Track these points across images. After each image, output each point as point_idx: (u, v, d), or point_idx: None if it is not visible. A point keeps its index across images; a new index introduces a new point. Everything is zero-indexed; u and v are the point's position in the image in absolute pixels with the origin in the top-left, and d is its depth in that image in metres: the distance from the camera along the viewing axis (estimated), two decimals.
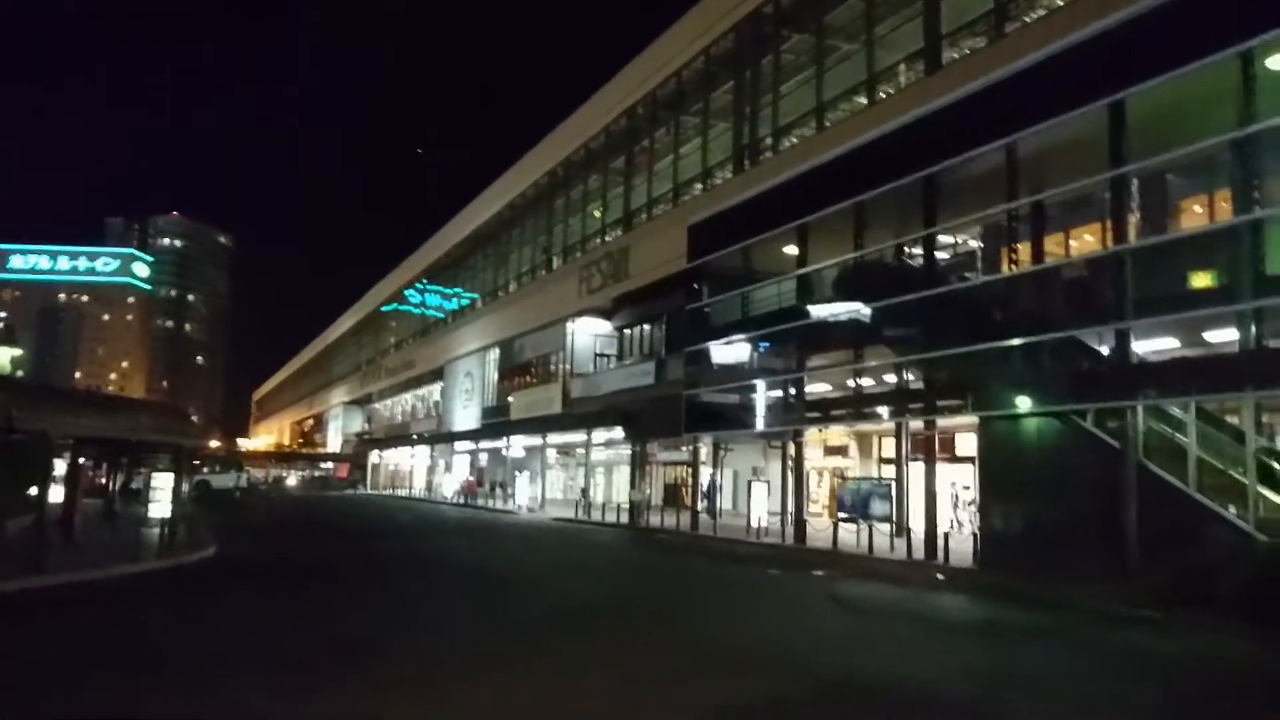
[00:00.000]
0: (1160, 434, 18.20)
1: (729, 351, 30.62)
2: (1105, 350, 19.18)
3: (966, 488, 23.61)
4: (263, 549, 24.44)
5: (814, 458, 33.75)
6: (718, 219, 32.63)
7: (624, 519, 37.00)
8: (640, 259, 41.57)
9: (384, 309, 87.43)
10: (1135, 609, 14.85)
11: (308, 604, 14.34)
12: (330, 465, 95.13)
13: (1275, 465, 17.30)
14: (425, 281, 73.30)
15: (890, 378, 26.19)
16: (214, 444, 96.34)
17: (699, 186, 39.07)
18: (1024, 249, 22.25)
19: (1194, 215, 21.17)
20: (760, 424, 29.18)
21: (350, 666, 9.35)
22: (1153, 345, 19.53)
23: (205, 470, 74.30)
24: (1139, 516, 17.27)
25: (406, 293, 75.18)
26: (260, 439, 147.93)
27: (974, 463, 23.60)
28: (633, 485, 39.49)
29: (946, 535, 21.52)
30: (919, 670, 9.80)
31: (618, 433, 41.06)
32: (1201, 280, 18.45)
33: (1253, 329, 16.33)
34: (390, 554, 23.91)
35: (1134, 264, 18.63)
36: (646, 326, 42.55)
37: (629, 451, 40.59)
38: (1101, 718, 8.20)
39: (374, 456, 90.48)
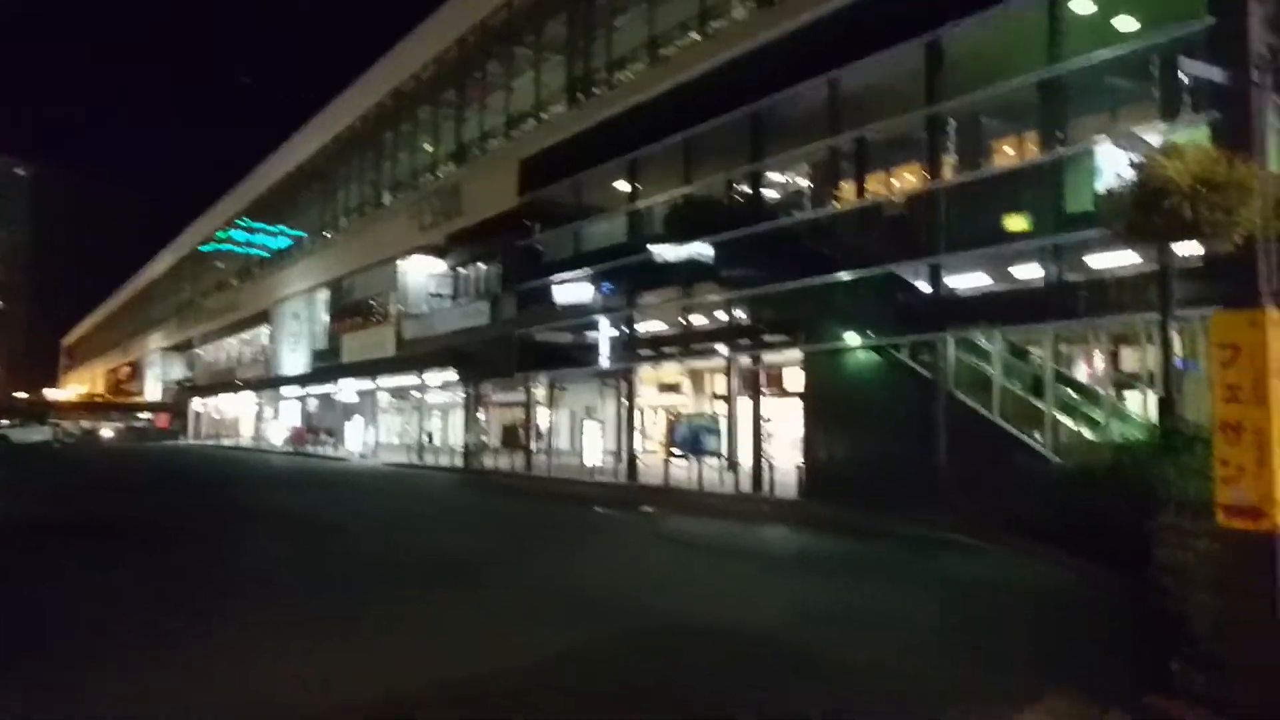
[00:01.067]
0: (971, 366, 18.96)
1: (562, 290, 30.15)
2: (923, 286, 19.76)
3: (768, 419, 24.00)
4: (61, 509, 22.51)
5: (649, 396, 33.90)
6: (550, 153, 31.88)
7: (460, 463, 36.30)
8: (474, 195, 40.32)
9: (204, 248, 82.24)
10: (950, 535, 15.43)
11: (94, 567, 13.14)
12: (149, 415, 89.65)
13: (1072, 393, 18.32)
14: (248, 219, 69.24)
15: (722, 315, 26.38)
16: (19, 395, 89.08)
17: (532, 121, 38.04)
18: (849, 187, 22.64)
19: (1005, 156, 22.00)
20: (593, 362, 28.96)
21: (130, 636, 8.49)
22: (968, 281, 20.26)
23: (5, 423, 68.70)
24: (951, 445, 18.00)
25: (228, 231, 70.88)
26: (72, 389, 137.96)
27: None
28: (467, 428, 38.74)
29: (772, 468, 21.93)
30: (746, 610, 9.72)
31: (452, 374, 40.09)
32: (1010, 218, 19.16)
33: (1053, 265, 17.10)
34: (202, 508, 22.48)
35: (949, 203, 19.21)
36: (481, 265, 41.45)
37: (466, 394, 39.76)
38: (916, 645, 8.30)
39: (197, 405, 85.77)
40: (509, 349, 32.83)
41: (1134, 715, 5.42)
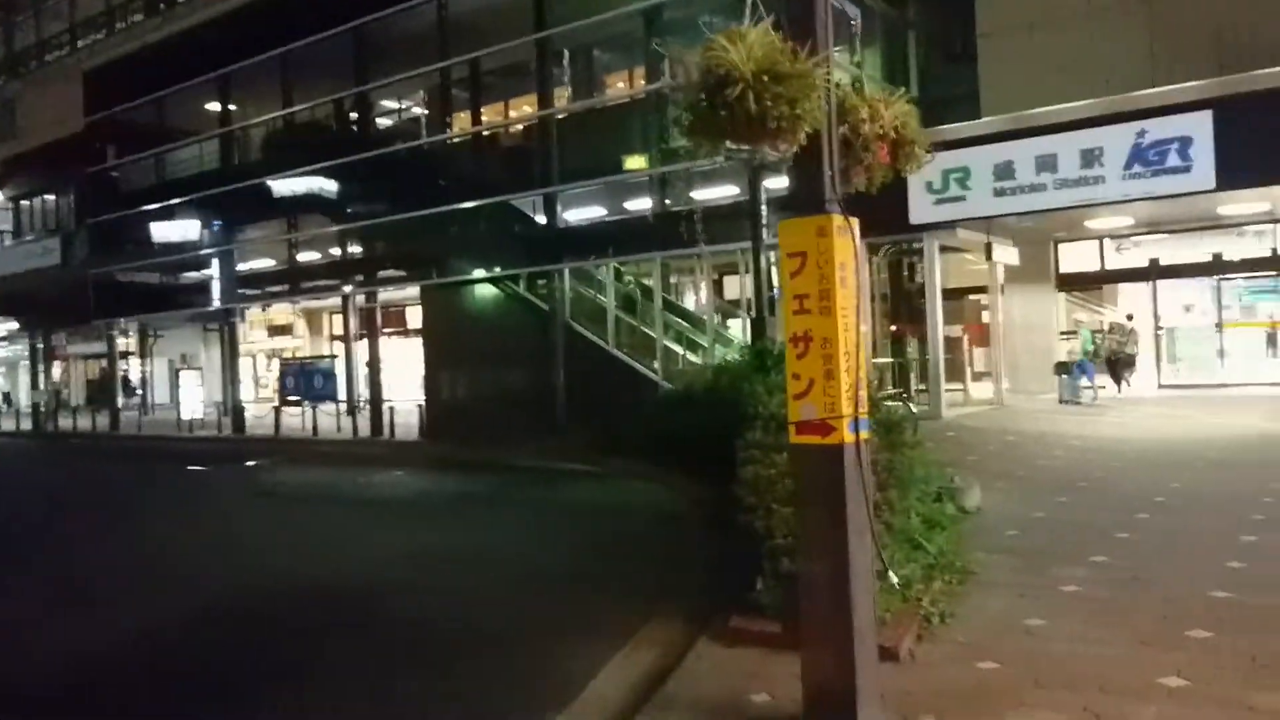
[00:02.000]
0: (588, 297, 19.13)
1: (149, 224, 26.51)
2: (540, 218, 19.54)
3: (386, 361, 22.82)
4: None
5: (259, 340, 31.18)
6: (124, 67, 27.64)
7: (30, 426, 31.22)
8: (33, 114, 34.25)
9: None
10: (567, 465, 15.43)
11: None
12: None
13: (682, 321, 19.13)
14: None
15: (337, 250, 24.62)
16: None
17: (104, 30, 32.84)
18: (465, 116, 21.81)
19: (616, 89, 22.29)
20: (190, 305, 25.95)
21: None
22: (584, 213, 20.36)
23: None
24: (570, 376, 18.12)
25: None
26: None
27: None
28: (35, 384, 33.40)
29: (393, 410, 20.90)
30: (344, 562, 8.83)
31: (13, 324, 34.26)
32: (619, 151, 19.41)
33: (660, 197, 17.57)
34: None
35: (563, 134, 19.08)
36: (49, 197, 35.54)
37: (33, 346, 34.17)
38: (515, 579, 7.89)
39: None
40: (84, 292, 28.47)
41: (721, 638, 5.35)
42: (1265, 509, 7.47)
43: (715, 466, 7.71)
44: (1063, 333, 18.96)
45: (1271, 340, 19.12)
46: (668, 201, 17.79)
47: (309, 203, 22.99)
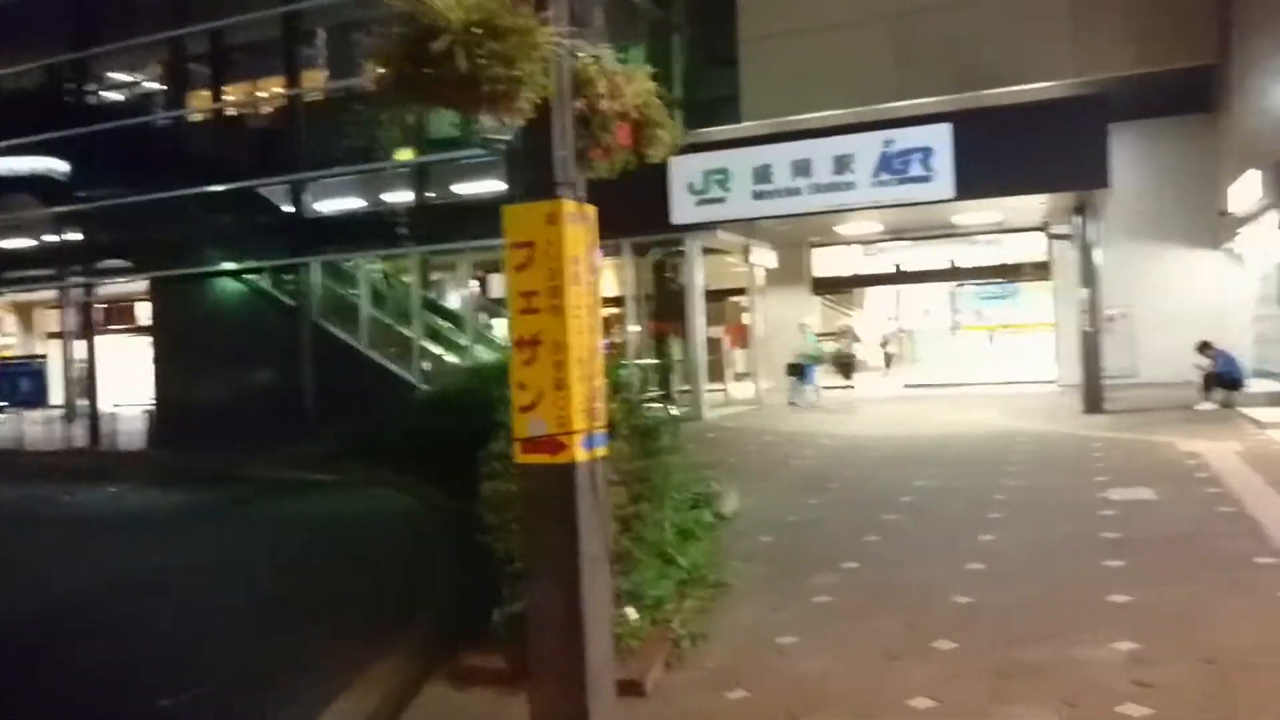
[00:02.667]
0: (339, 294, 17.90)
1: None
2: (289, 208, 18.10)
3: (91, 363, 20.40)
4: None
5: None
6: None
7: None
8: None
9: None
10: (311, 474, 14.26)
11: None
12: None
13: (442, 321, 18.26)
14: None
15: (53, 237, 21.83)
16: None
17: None
18: (208, 95, 19.93)
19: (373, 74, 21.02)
20: None
21: None
22: (338, 205, 19.06)
23: None
24: (319, 378, 16.88)
25: None
26: None
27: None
28: None
29: (115, 415, 18.73)
30: (22, 595, 7.48)
31: None
32: (377, 140, 18.31)
33: (420, 189, 16.67)
34: None
35: (315, 119, 17.78)
36: None
37: None
38: (230, 612, 6.92)
39: None
40: None
41: (454, 677, 4.76)
42: (1000, 506, 7.72)
43: (469, 477, 7.11)
44: (821, 334, 19.63)
45: (1001, 341, 20.71)
46: (429, 194, 16.91)
47: (19, 183, 20.25)
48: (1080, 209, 13.81)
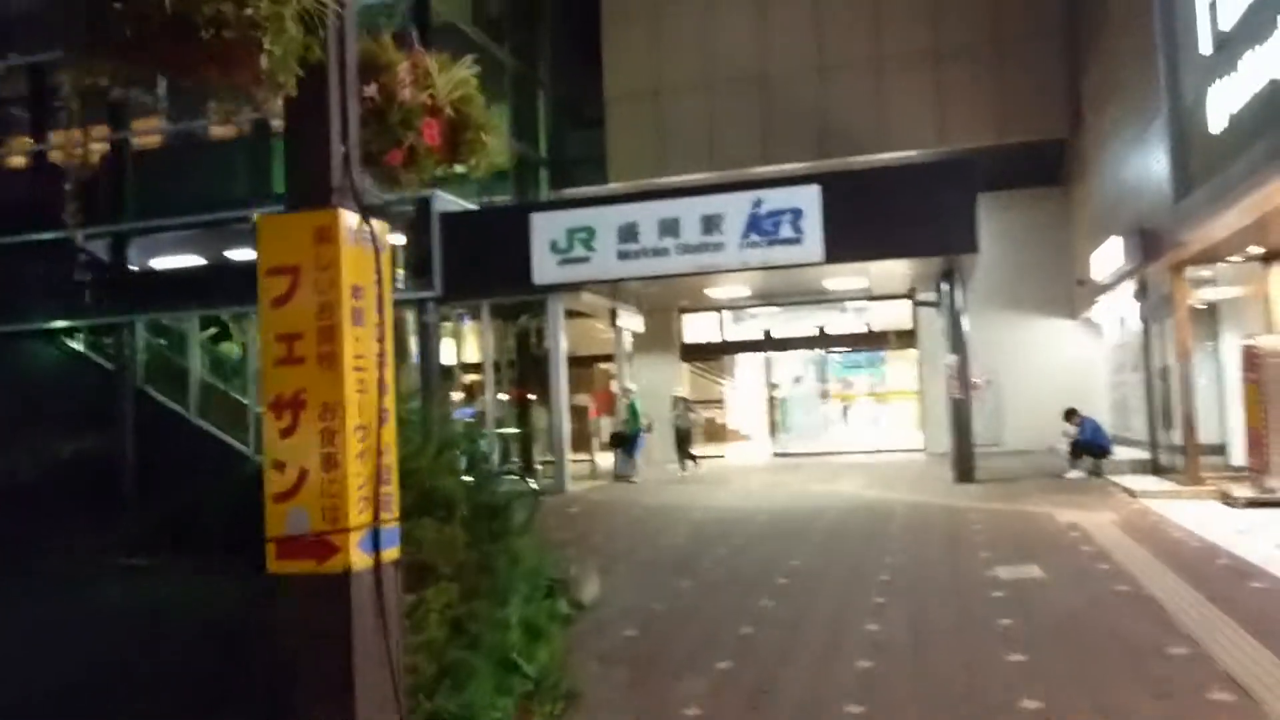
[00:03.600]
0: (167, 357, 16.27)
1: None
2: (110, 260, 16.42)
3: None
4: None
5: None
6: None
7: None
8: None
9: None
10: (125, 557, 12.52)
11: None
12: None
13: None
14: None
15: None
16: None
17: None
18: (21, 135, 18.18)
19: (221, 125, 19.65)
20: None
21: None
22: (172, 260, 17.48)
23: None
24: (141, 449, 15.19)
25: None
26: None
27: None
28: None
29: None
30: None
31: None
32: (216, 189, 16.93)
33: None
34: None
35: (149, 166, 16.36)
36: None
37: None
38: None
39: None
40: None
41: None
42: (883, 589, 7.05)
43: None
44: (691, 400, 18.94)
45: (869, 409, 20.55)
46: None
47: None
48: (948, 275, 13.67)
